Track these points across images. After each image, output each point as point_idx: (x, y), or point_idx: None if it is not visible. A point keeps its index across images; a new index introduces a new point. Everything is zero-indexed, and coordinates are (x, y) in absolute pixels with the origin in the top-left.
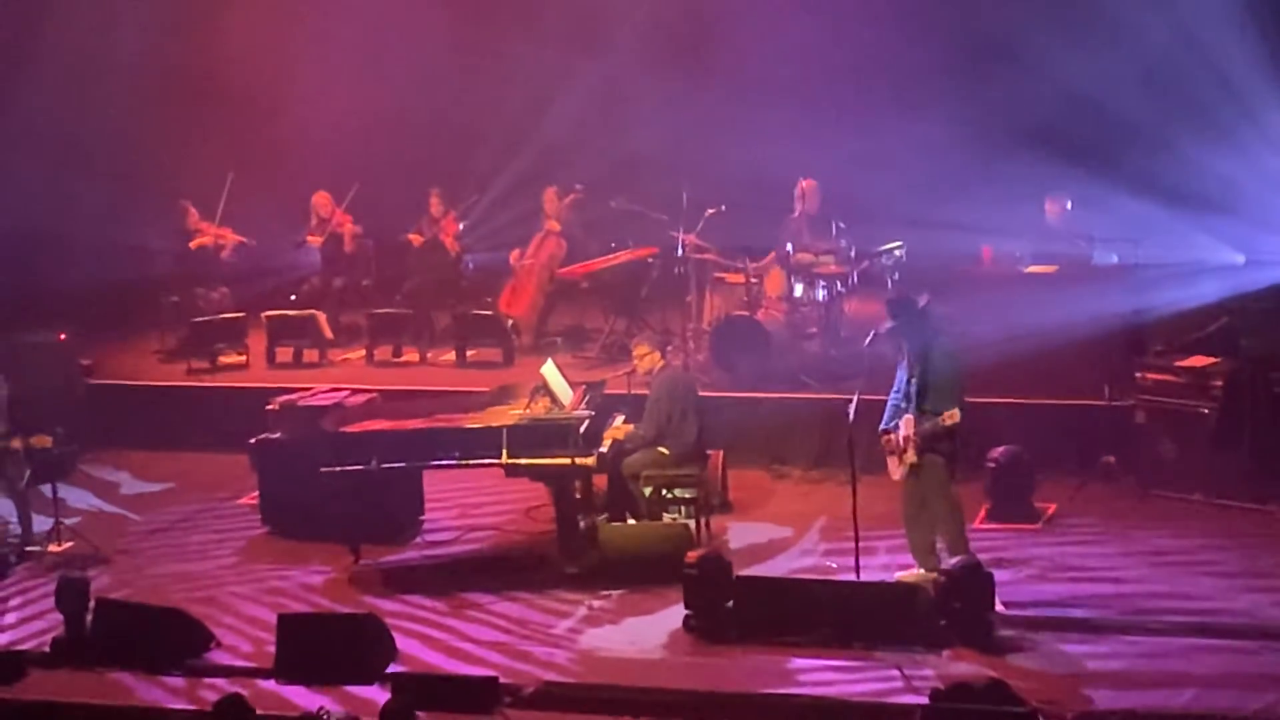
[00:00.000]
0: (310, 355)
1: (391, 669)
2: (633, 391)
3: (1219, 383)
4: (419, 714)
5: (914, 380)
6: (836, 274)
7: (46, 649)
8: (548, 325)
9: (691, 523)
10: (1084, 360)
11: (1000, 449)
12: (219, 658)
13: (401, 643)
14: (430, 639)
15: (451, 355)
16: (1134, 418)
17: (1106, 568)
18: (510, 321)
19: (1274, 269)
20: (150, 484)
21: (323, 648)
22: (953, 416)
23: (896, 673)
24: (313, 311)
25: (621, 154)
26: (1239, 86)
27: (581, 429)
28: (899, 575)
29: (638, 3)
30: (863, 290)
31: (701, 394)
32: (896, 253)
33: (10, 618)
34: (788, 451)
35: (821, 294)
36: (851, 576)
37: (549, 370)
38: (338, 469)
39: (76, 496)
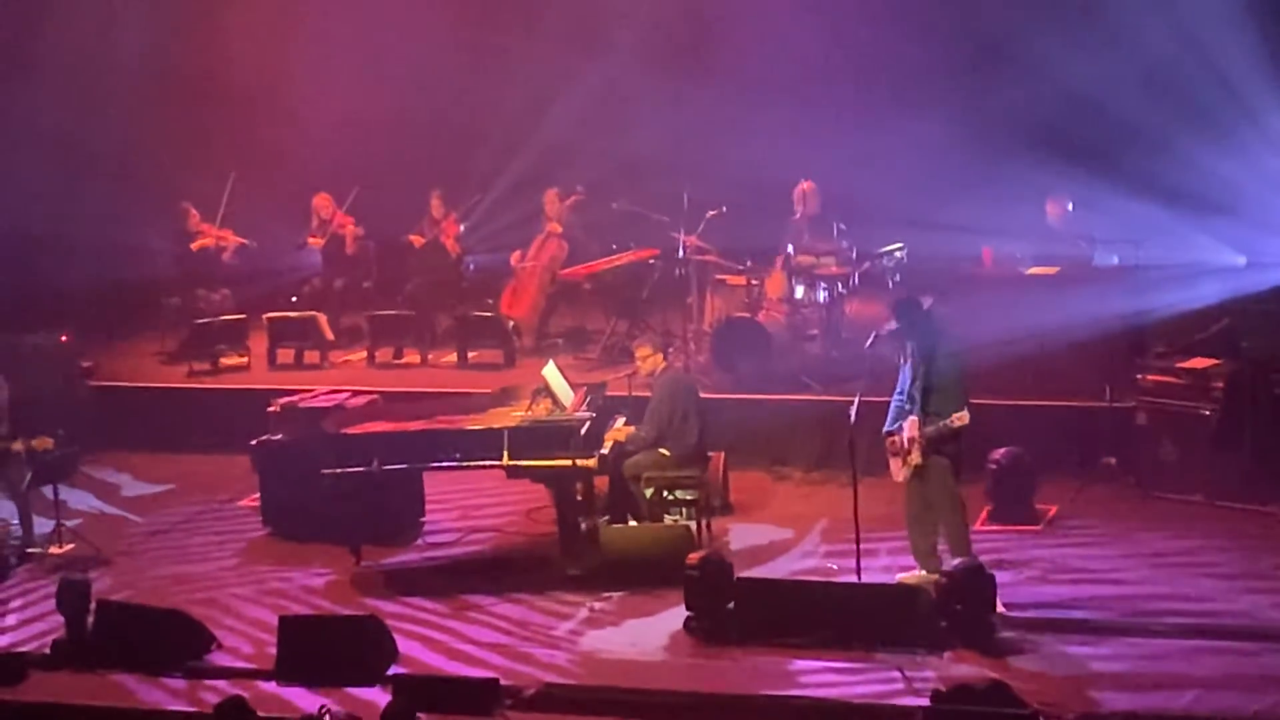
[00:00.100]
0: (311, 357)
1: (392, 671)
2: (634, 393)
3: (1220, 384)
4: (420, 716)
5: (918, 382)
6: (837, 275)
7: (47, 650)
8: (549, 327)
9: (692, 524)
10: (1085, 362)
11: (1001, 451)
12: (220, 659)
13: (402, 644)
14: (431, 641)
15: (453, 357)
16: (1135, 419)
17: (1107, 569)
18: (511, 323)
19: (1275, 271)
20: (151, 486)
21: (324, 649)
22: (962, 418)
23: (898, 674)
24: (314, 313)
25: (622, 155)
26: (1240, 87)
27: (583, 430)
28: (900, 577)
29: (638, 3)
30: (864, 292)
31: (703, 395)
32: (897, 254)
33: (11, 619)
34: (789, 453)
35: (822, 295)
36: (853, 578)
37: (550, 372)
38: (339, 470)
39: (77, 498)
